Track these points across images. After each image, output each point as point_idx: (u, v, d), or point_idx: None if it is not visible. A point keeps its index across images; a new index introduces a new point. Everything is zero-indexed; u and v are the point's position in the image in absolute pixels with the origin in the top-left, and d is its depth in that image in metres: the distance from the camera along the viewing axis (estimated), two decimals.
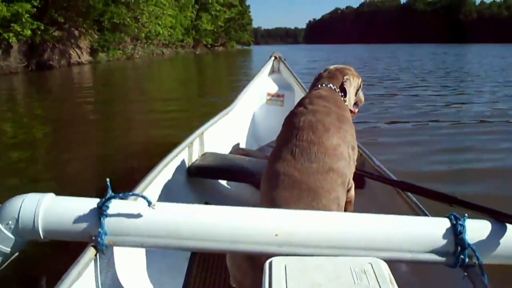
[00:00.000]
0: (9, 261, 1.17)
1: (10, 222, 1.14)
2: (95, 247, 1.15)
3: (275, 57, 4.68)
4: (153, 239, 1.15)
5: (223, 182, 2.83)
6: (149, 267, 1.76)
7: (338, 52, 44.98)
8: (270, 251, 1.12)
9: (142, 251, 1.76)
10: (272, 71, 4.65)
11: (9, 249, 1.14)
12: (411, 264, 1.62)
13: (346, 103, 1.82)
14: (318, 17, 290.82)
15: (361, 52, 49.58)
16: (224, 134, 3.33)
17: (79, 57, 26.21)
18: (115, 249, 1.38)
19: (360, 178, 2.09)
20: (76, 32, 26.40)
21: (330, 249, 1.13)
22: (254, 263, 1.29)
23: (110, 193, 1.17)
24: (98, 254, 1.20)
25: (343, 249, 1.13)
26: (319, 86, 1.85)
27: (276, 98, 4.30)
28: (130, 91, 13.74)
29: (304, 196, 1.39)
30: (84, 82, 16.95)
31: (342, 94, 1.84)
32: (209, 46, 67.00)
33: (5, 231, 1.13)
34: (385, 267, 1.03)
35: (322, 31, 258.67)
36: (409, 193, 1.85)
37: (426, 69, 19.89)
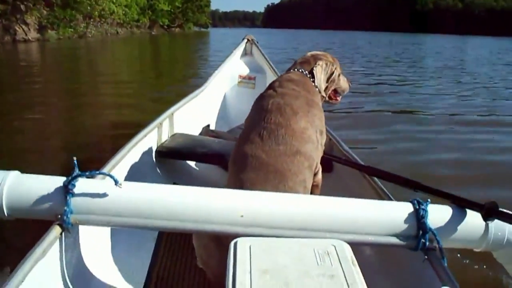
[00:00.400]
0: None
1: None
2: (60, 225, 1.15)
3: (248, 40, 4.61)
4: (119, 218, 1.15)
5: (192, 164, 2.80)
6: (116, 246, 1.74)
7: (295, 38, 44.89)
8: (235, 231, 1.14)
9: (109, 230, 1.73)
10: (245, 54, 4.60)
11: None
12: (375, 247, 1.65)
13: (317, 88, 1.82)
14: (277, 1, 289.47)
15: (319, 38, 49.66)
16: (194, 115, 3.30)
17: (26, 34, 24.53)
18: (81, 228, 1.35)
19: (328, 162, 2.12)
20: (22, 7, 24.61)
21: (295, 230, 1.16)
22: (220, 244, 1.29)
23: (76, 171, 1.15)
24: (63, 233, 1.18)
25: (307, 231, 1.16)
26: (291, 70, 1.85)
27: (247, 81, 4.29)
28: (81, 72, 12.84)
29: (271, 178, 1.40)
30: (32, 61, 15.73)
31: (316, 84, 1.82)
32: (165, 27, 65.05)
33: None
34: (348, 249, 1.06)
35: (280, 15, 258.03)
36: (375, 178, 1.88)
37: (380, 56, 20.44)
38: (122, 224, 1.17)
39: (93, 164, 1.45)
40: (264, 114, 1.56)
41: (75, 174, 1.15)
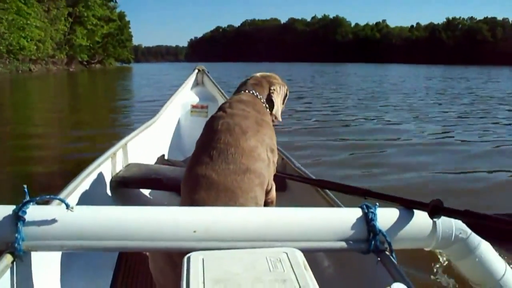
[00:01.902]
0: None
1: None
2: (12, 253, 1.12)
3: (199, 70, 4.76)
4: (73, 242, 1.14)
5: (147, 192, 2.76)
6: (73, 272, 1.70)
7: (218, 70, 43.86)
8: (189, 247, 1.14)
9: (65, 255, 1.67)
10: (196, 84, 4.75)
11: None
12: (328, 252, 1.71)
13: (273, 112, 1.88)
14: (199, 35, 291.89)
15: (241, 70, 48.74)
16: (148, 145, 3.29)
17: None
18: (35, 255, 1.28)
19: (281, 181, 2.22)
20: None
21: (247, 242, 1.17)
22: (176, 266, 1.27)
23: (27, 198, 1.15)
24: (15, 262, 1.14)
25: (260, 241, 1.18)
26: (242, 92, 1.87)
27: (200, 110, 4.36)
28: None
29: (222, 196, 1.42)
30: None
31: (266, 104, 1.86)
32: (85, 63, 61.50)
33: None
34: (300, 256, 1.08)
35: (203, 49, 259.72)
36: (327, 191, 1.95)
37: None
38: (76, 247, 1.16)
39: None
40: (214, 135, 1.58)
41: (25, 200, 1.14)
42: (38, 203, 1.18)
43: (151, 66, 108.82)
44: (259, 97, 1.84)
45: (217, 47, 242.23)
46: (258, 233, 1.18)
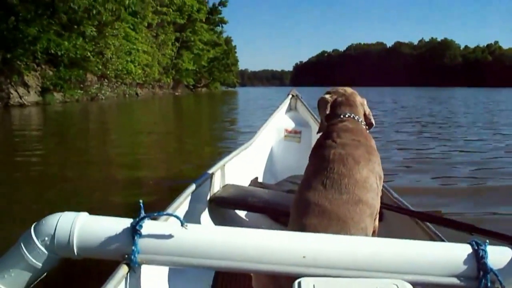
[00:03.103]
0: (41, 277, 1.20)
1: (46, 239, 1.17)
2: (127, 264, 1.19)
3: (292, 95, 4.75)
4: (184, 258, 1.19)
5: (242, 213, 2.85)
6: (176, 286, 1.77)
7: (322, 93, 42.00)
8: (297, 272, 1.16)
9: (167, 270, 1.75)
10: (289, 109, 4.73)
11: (42, 265, 1.18)
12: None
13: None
14: (305, 60, 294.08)
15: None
16: (243, 167, 3.35)
17: (21, 97, 21.43)
18: (144, 267, 1.36)
19: (379, 211, 2.04)
20: (21, 66, 21.66)
21: (357, 271, 1.17)
22: (279, 286, 1.31)
23: (143, 213, 1.20)
24: (129, 273, 1.22)
25: (369, 271, 1.17)
26: (342, 116, 1.85)
27: (293, 135, 4.36)
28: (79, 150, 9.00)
29: (333, 225, 1.44)
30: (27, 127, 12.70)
31: (366, 126, 1.89)
32: (191, 86, 62.92)
33: (41, 247, 1.17)
34: None
35: (308, 73, 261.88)
36: (428, 223, 1.89)
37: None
38: (186, 264, 1.20)
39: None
40: (326, 164, 1.60)
41: (142, 215, 1.19)
42: (151, 219, 1.22)
43: (256, 90, 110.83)
44: (362, 122, 1.85)
45: (322, 71, 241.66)
46: (367, 263, 1.17)
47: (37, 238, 1.16)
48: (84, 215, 1.21)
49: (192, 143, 9.50)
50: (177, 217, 1.20)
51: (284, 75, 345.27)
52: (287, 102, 4.67)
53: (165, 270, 1.73)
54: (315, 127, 3.94)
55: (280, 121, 4.44)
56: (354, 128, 1.78)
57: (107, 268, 1.21)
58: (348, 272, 1.15)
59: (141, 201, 1.21)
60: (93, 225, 1.19)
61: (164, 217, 1.47)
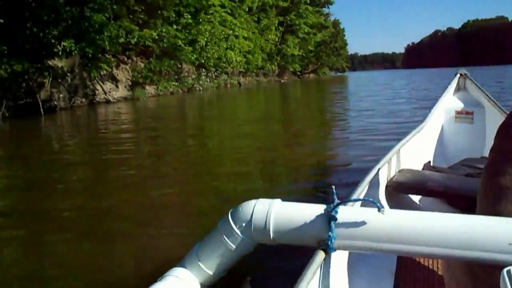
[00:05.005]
0: (237, 261, 1.26)
1: (243, 224, 1.22)
2: (324, 250, 1.20)
3: (461, 74, 4.53)
4: (380, 244, 1.17)
5: (416, 198, 2.75)
6: (360, 271, 1.80)
7: (440, 77, 36.43)
8: (502, 259, 1.05)
9: (351, 256, 1.76)
10: (458, 89, 4.50)
11: (240, 249, 1.23)
12: None
13: None
14: (417, 40, 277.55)
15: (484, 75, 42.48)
16: (416, 151, 3.29)
17: (106, 94, 19.54)
18: (335, 253, 1.36)
19: None
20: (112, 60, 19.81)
21: None
22: (476, 277, 1.23)
23: (336, 199, 1.20)
24: (325, 258, 1.24)
25: None
26: None
27: (465, 116, 4.15)
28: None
29: None
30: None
31: None
32: (298, 73, 59.47)
33: (238, 232, 1.22)
34: None
35: (421, 54, 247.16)
36: None
37: None
38: (385, 250, 1.18)
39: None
40: None
41: (337, 201, 1.19)
42: (345, 204, 1.23)
43: (367, 74, 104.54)
44: None
45: (435, 52, 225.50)
46: None
47: (235, 223, 1.22)
48: (278, 201, 1.24)
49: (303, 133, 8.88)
50: (375, 202, 1.19)
51: (395, 57, 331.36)
52: (454, 82, 4.38)
53: (349, 256, 1.75)
54: (489, 107, 3.90)
55: (449, 102, 4.22)
56: None
57: (294, 254, 1.29)
58: None
59: (333, 187, 1.21)
60: (288, 211, 1.22)
61: (357, 202, 1.51)
